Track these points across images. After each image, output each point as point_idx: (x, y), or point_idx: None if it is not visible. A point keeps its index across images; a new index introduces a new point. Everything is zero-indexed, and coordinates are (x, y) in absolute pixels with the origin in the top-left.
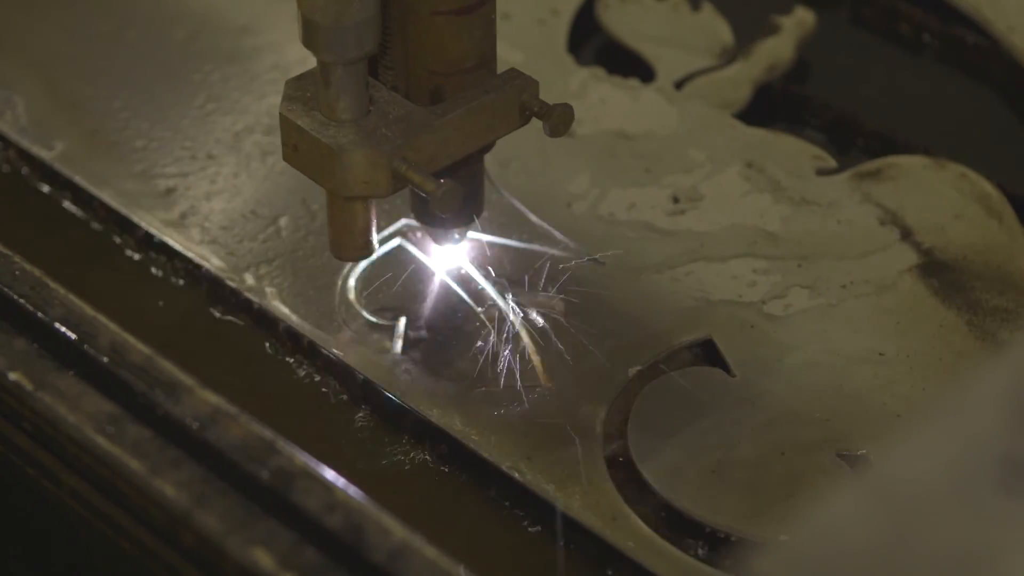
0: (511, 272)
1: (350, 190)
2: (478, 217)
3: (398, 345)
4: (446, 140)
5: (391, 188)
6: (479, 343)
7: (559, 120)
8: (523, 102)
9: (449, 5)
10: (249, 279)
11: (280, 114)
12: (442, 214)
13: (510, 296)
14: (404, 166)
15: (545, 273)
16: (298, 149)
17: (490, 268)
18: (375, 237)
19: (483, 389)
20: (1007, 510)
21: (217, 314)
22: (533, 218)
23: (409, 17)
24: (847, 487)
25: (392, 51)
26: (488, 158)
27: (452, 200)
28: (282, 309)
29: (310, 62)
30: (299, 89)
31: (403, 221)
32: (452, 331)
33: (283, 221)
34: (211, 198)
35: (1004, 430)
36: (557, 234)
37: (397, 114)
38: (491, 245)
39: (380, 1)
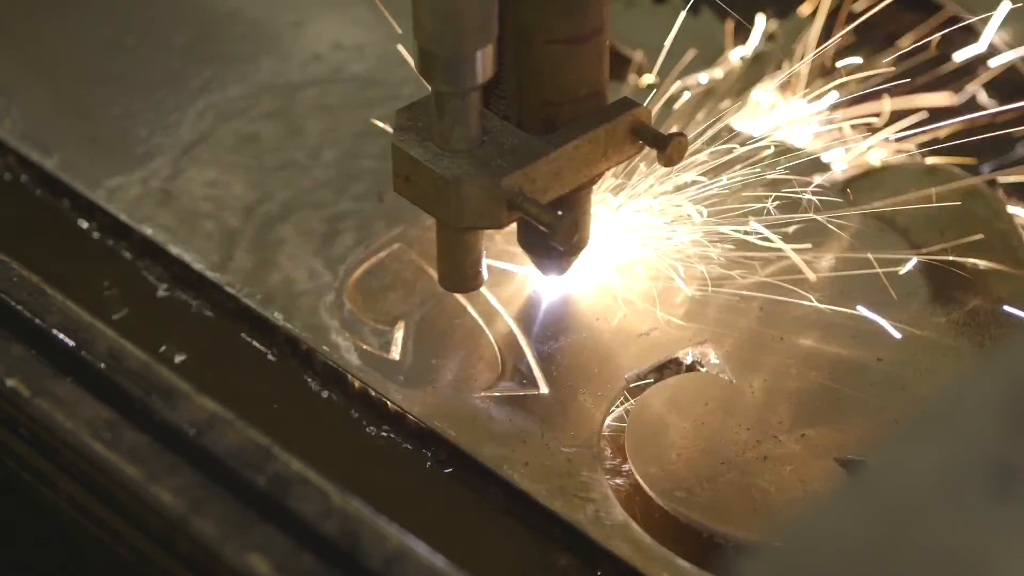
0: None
1: (464, 221)
2: (585, 247)
3: (396, 351)
4: (560, 170)
5: (506, 220)
6: (478, 348)
7: (674, 150)
8: (636, 130)
9: (564, 34)
10: (247, 283)
11: (392, 144)
12: (559, 246)
13: None
14: (520, 197)
15: None
16: (410, 180)
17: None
18: (485, 268)
19: (481, 395)
20: (999, 514)
21: (214, 319)
22: None
23: (523, 46)
24: (842, 492)
25: (505, 80)
26: None
27: (571, 232)
28: (279, 314)
29: (310, 70)
30: (411, 119)
31: (400, 228)
32: (450, 337)
33: (282, 225)
34: (210, 203)
35: (997, 434)
36: None
37: (511, 144)
38: None
39: (497, 31)
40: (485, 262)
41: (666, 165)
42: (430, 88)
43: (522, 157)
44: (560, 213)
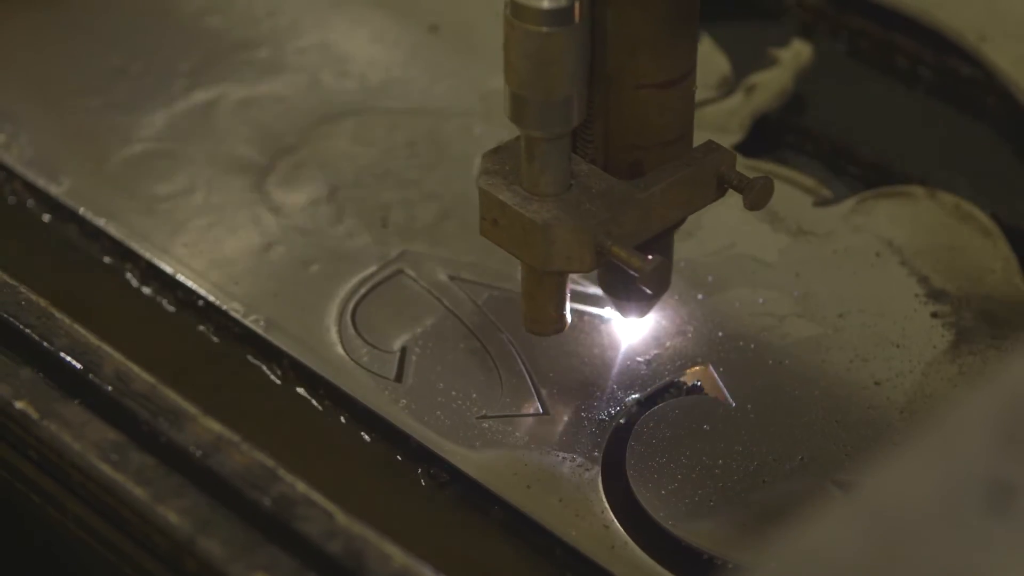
0: None
1: (552, 265)
2: (666, 290)
3: (399, 374)
4: (648, 214)
5: (594, 264)
6: (479, 371)
7: (759, 194)
8: (721, 175)
9: (653, 79)
10: (252, 309)
11: (480, 188)
12: (649, 290)
13: None
14: (609, 242)
15: None
16: (498, 223)
17: None
18: (568, 311)
19: (484, 416)
20: (994, 531)
21: (220, 343)
22: None
23: (612, 90)
24: (837, 512)
25: (592, 124)
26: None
27: (661, 276)
28: (284, 338)
29: (314, 96)
30: (498, 163)
31: (402, 252)
32: (452, 360)
33: (285, 251)
34: (216, 230)
35: (992, 453)
36: None
37: (599, 188)
38: None
39: (588, 77)
40: (569, 305)
41: (751, 209)
42: (519, 132)
43: (610, 202)
44: (649, 257)
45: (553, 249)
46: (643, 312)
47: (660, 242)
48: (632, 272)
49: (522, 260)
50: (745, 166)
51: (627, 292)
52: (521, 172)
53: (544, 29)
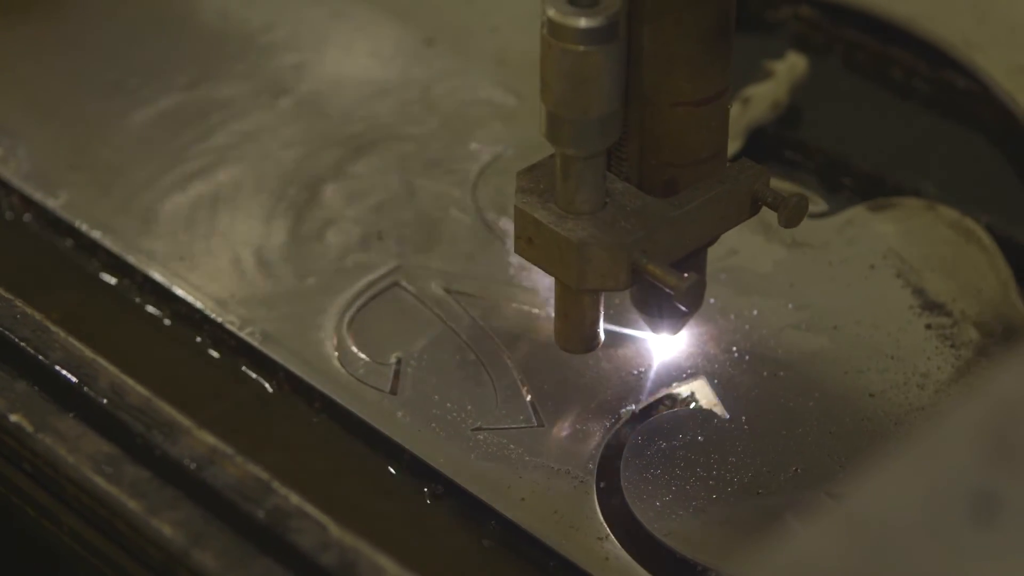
0: None
1: (587, 283)
2: (700, 307)
3: (395, 387)
4: (683, 232)
5: (629, 282)
6: (474, 383)
7: (794, 212)
8: (756, 192)
9: (689, 97)
10: (247, 322)
11: (515, 207)
12: (685, 308)
13: None
14: (644, 259)
15: None
16: (533, 242)
17: None
18: (602, 329)
19: (479, 428)
20: (979, 542)
21: (216, 356)
22: None
23: (647, 109)
24: (826, 523)
25: (628, 142)
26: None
27: (696, 293)
28: (280, 351)
29: (315, 114)
30: (532, 181)
31: (398, 265)
32: (448, 373)
33: (281, 264)
34: (212, 243)
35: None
36: None
37: (634, 206)
38: None
39: (624, 95)
40: (602, 323)
41: (786, 227)
42: (555, 151)
43: (645, 220)
44: (685, 275)
45: (588, 267)
46: (676, 329)
47: (694, 259)
48: (668, 290)
49: (557, 278)
50: None
51: (660, 309)
52: (556, 190)
53: (581, 48)
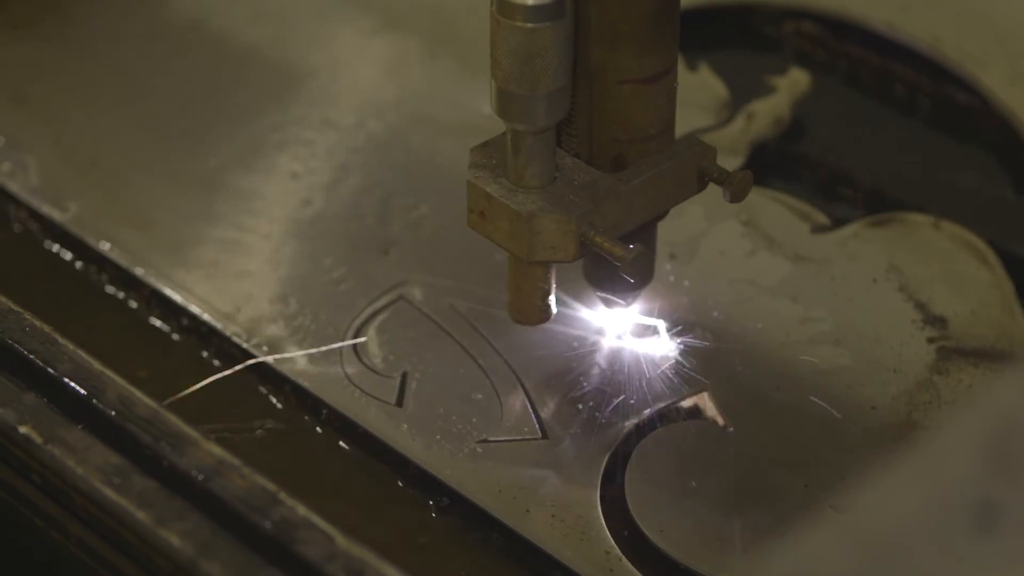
0: None
1: (537, 255)
2: (649, 283)
3: (400, 400)
4: (630, 206)
5: (577, 253)
6: (479, 395)
7: (739, 186)
8: (702, 168)
9: (636, 75)
10: (254, 335)
11: (468, 181)
12: (630, 278)
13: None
14: (592, 232)
15: None
16: (484, 216)
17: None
18: (554, 301)
19: (484, 441)
20: (981, 550)
21: (222, 368)
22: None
23: (595, 86)
24: (829, 533)
25: (576, 119)
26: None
27: (642, 264)
28: (287, 364)
29: (319, 126)
30: (485, 156)
31: (404, 279)
32: (453, 386)
33: (287, 278)
34: (218, 256)
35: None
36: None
37: (583, 181)
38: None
39: (572, 71)
40: (554, 296)
41: (732, 202)
42: (505, 127)
43: (593, 193)
44: (631, 246)
45: (538, 239)
46: (628, 303)
47: (644, 234)
48: (614, 261)
49: (508, 251)
50: None
51: (612, 283)
52: (507, 165)
53: (529, 25)
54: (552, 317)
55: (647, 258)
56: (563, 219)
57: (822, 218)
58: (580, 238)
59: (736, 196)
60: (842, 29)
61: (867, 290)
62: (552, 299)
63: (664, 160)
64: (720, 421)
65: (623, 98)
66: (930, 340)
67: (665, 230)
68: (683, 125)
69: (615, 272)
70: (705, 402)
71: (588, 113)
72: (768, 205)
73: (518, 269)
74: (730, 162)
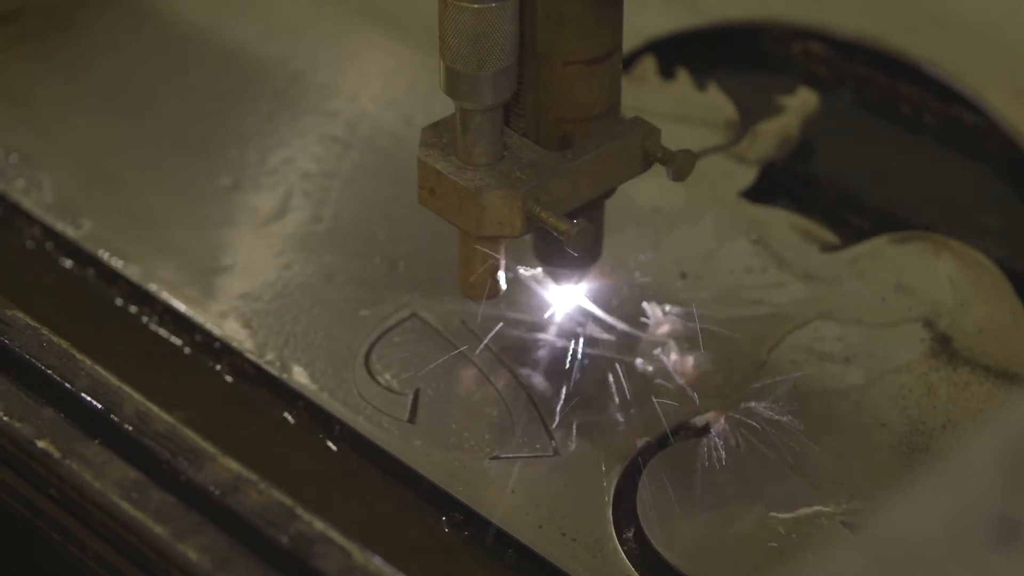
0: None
1: (485, 230)
2: (597, 260)
3: (413, 415)
4: (576, 183)
5: (524, 229)
6: (491, 412)
7: (681, 165)
8: (647, 148)
9: (580, 56)
10: (267, 351)
11: (418, 159)
12: (574, 252)
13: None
14: (537, 207)
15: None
16: (435, 192)
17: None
18: (503, 277)
19: (496, 457)
20: (1000, 566)
21: (235, 383)
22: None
23: (542, 67)
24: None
25: (524, 99)
26: None
27: (585, 238)
28: (300, 381)
29: (329, 142)
30: (435, 135)
31: (415, 295)
32: (465, 402)
33: (299, 294)
34: (231, 273)
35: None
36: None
37: (529, 159)
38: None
39: (517, 52)
40: (503, 274)
41: (675, 180)
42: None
43: (539, 171)
44: (575, 221)
45: (485, 215)
46: (577, 280)
47: (591, 212)
48: (559, 236)
49: (458, 227)
50: (753, 212)
51: (562, 261)
52: (457, 144)
53: (475, 6)
54: (501, 293)
55: (591, 233)
56: (509, 195)
57: (831, 237)
58: (526, 213)
59: (679, 175)
60: (850, 49)
61: (876, 308)
62: (501, 275)
63: (609, 140)
64: (731, 438)
65: (568, 79)
66: (939, 358)
67: (676, 248)
68: (693, 144)
69: (564, 251)
70: (716, 419)
71: (535, 94)
72: (777, 224)
73: (467, 245)
74: (741, 181)
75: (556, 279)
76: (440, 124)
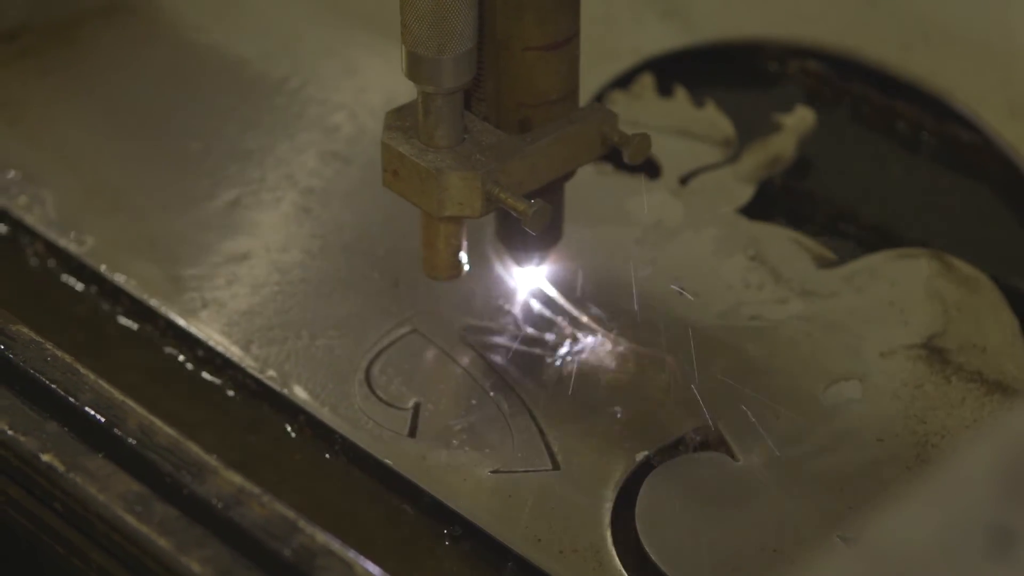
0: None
1: (446, 210)
2: (557, 243)
3: (414, 431)
4: (534, 166)
5: (484, 209)
6: (491, 426)
7: (637, 148)
8: (604, 132)
9: (539, 42)
10: (268, 366)
11: (382, 142)
12: (532, 232)
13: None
14: (496, 188)
15: None
16: (398, 174)
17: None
18: (465, 258)
19: (496, 471)
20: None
21: (237, 398)
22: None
23: (502, 53)
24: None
25: (484, 85)
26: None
27: (542, 218)
28: (301, 396)
29: (336, 157)
30: (399, 119)
31: (414, 312)
32: (466, 417)
33: (300, 310)
34: (233, 288)
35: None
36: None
37: (489, 142)
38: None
39: (476, 37)
40: (465, 254)
41: (630, 162)
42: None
43: (499, 153)
44: (532, 201)
45: (446, 195)
46: (539, 262)
47: (550, 195)
48: (517, 216)
49: (420, 207)
50: (750, 228)
51: (523, 242)
52: (419, 127)
53: None
54: (463, 274)
55: (549, 213)
56: (469, 176)
57: (828, 253)
58: (485, 194)
59: (634, 157)
60: (846, 67)
61: (872, 324)
62: (463, 256)
63: (567, 124)
64: (728, 453)
65: (527, 64)
66: (935, 372)
67: (673, 263)
68: (690, 161)
69: (525, 232)
70: (715, 433)
71: (495, 79)
72: (775, 240)
73: (430, 226)
74: (738, 198)
75: (517, 260)
76: (403, 108)
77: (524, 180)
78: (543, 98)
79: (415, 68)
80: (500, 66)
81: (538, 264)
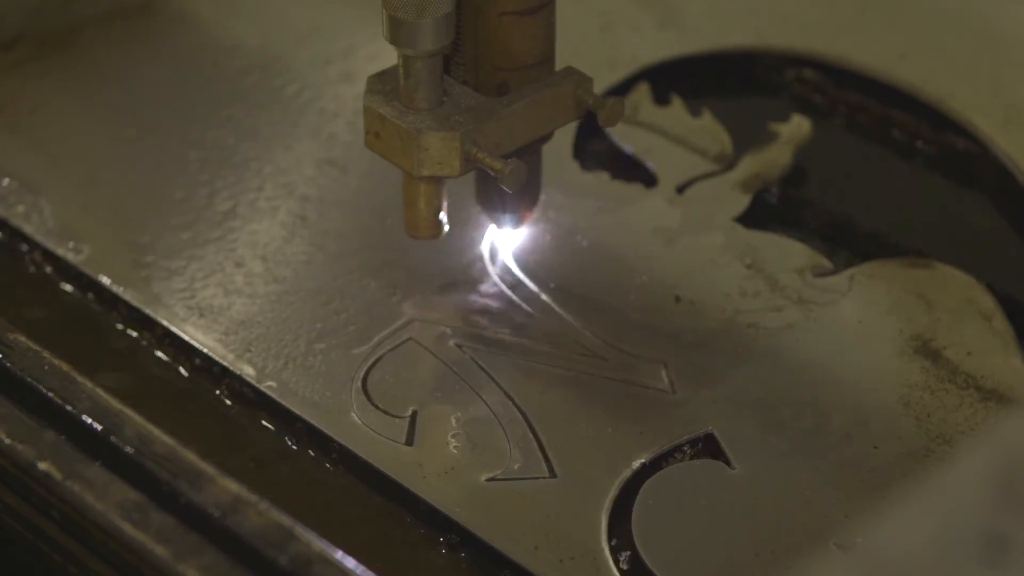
0: None
1: (425, 170)
2: (535, 206)
3: (410, 439)
4: (511, 127)
5: (462, 168)
6: (488, 434)
7: (611, 112)
8: (578, 96)
9: (515, 7)
10: (265, 375)
11: (364, 105)
12: (509, 189)
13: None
14: (474, 148)
15: None
16: (379, 135)
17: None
18: (445, 218)
19: (493, 479)
20: None
21: (234, 407)
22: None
23: (479, 17)
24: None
25: (463, 49)
26: None
27: (518, 176)
28: (297, 403)
29: (335, 165)
30: (380, 83)
31: (411, 321)
32: (462, 425)
33: (297, 319)
34: (231, 298)
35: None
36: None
37: (468, 104)
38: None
39: (454, 1)
40: (445, 215)
41: (604, 126)
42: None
43: (477, 115)
44: (509, 160)
45: (425, 155)
46: (517, 224)
47: (527, 156)
48: (494, 174)
49: (401, 168)
50: (747, 237)
51: (502, 204)
52: (399, 90)
53: None
54: (443, 234)
55: (524, 171)
56: (448, 136)
57: (824, 261)
58: (464, 154)
59: (608, 120)
60: (842, 76)
61: (869, 333)
62: (443, 216)
63: (544, 87)
64: (724, 461)
65: (504, 29)
66: (931, 380)
67: (670, 271)
68: (687, 170)
69: (504, 194)
70: (711, 442)
71: (474, 43)
72: (771, 249)
73: (411, 187)
74: (735, 207)
75: (497, 223)
76: (385, 73)
77: (501, 141)
78: (520, 62)
79: (395, 32)
80: (478, 30)
81: (515, 226)
